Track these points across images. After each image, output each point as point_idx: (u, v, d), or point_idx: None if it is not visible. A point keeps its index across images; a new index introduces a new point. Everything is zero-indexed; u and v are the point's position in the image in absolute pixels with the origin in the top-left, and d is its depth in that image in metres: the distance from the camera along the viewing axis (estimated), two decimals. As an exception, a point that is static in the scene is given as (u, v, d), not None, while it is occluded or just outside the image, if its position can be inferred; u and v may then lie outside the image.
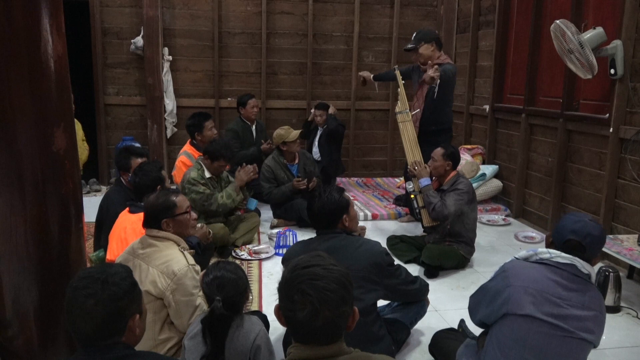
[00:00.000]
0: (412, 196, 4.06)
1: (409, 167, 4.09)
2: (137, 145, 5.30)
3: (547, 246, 2.04)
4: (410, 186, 4.11)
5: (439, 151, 3.76)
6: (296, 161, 4.71)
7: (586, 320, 1.88)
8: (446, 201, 3.60)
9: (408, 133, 4.29)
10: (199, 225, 3.38)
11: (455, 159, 3.76)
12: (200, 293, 2.37)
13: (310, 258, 1.35)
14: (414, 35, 4.54)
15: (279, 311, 1.34)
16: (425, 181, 3.85)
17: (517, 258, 2.05)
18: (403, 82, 4.47)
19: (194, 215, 2.52)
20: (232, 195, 3.91)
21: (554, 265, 1.92)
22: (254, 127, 5.41)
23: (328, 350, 1.31)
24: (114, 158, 6.09)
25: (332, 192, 2.39)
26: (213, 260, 3.70)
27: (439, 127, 4.50)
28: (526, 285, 1.89)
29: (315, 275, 1.29)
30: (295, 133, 4.57)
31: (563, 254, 1.92)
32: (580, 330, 1.87)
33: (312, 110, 5.68)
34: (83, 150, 5.44)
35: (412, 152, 4.20)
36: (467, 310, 2.20)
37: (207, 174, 3.95)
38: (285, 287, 1.32)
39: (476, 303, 2.12)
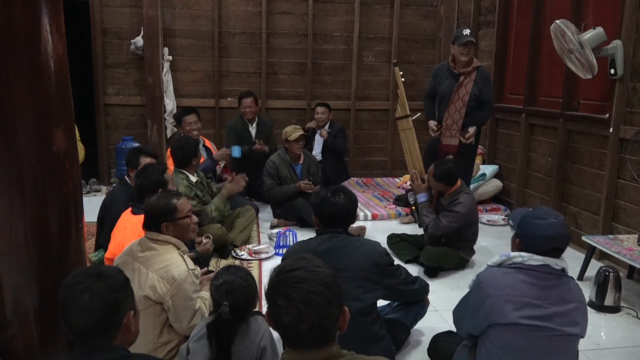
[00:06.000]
0: (413, 208, 4.04)
1: (409, 178, 4.05)
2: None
3: (517, 250, 2.03)
4: (411, 198, 4.05)
5: (430, 170, 3.70)
6: (301, 161, 4.71)
7: (569, 313, 1.90)
8: (441, 221, 3.57)
9: (408, 142, 4.21)
10: (205, 239, 3.37)
11: (447, 179, 3.62)
12: (203, 294, 2.36)
13: (294, 261, 1.33)
14: (467, 31, 4.21)
15: (269, 317, 1.32)
16: (422, 197, 3.81)
17: (490, 265, 2.05)
18: (403, 80, 4.35)
19: (194, 219, 2.48)
20: (220, 207, 3.85)
21: (527, 268, 1.93)
22: (254, 125, 5.40)
23: (320, 354, 1.28)
24: (114, 158, 6.10)
25: (350, 192, 2.41)
26: (213, 261, 3.71)
27: (478, 127, 4.40)
28: (505, 294, 1.90)
29: (299, 279, 1.27)
30: (297, 133, 4.57)
31: (536, 256, 1.93)
32: (565, 326, 1.90)
33: (315, 113, 5.69)
34: (79, 150, 5.43)
35: (412, 162, 4.15)
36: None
37: (193, 178, 3.86)
38: (270, 292, 1.30)
39: (460, 317, 2.14)
